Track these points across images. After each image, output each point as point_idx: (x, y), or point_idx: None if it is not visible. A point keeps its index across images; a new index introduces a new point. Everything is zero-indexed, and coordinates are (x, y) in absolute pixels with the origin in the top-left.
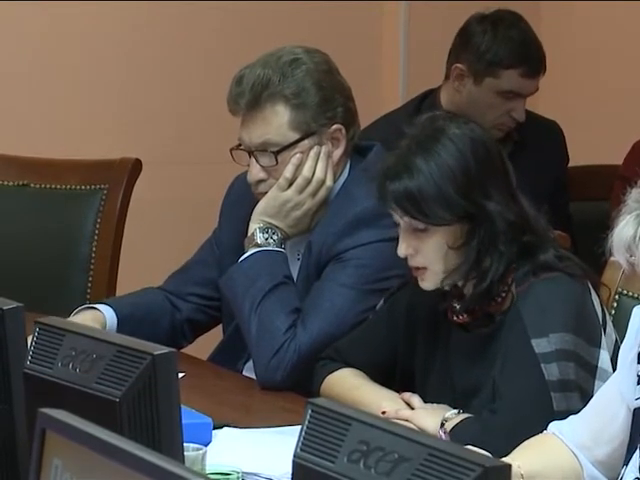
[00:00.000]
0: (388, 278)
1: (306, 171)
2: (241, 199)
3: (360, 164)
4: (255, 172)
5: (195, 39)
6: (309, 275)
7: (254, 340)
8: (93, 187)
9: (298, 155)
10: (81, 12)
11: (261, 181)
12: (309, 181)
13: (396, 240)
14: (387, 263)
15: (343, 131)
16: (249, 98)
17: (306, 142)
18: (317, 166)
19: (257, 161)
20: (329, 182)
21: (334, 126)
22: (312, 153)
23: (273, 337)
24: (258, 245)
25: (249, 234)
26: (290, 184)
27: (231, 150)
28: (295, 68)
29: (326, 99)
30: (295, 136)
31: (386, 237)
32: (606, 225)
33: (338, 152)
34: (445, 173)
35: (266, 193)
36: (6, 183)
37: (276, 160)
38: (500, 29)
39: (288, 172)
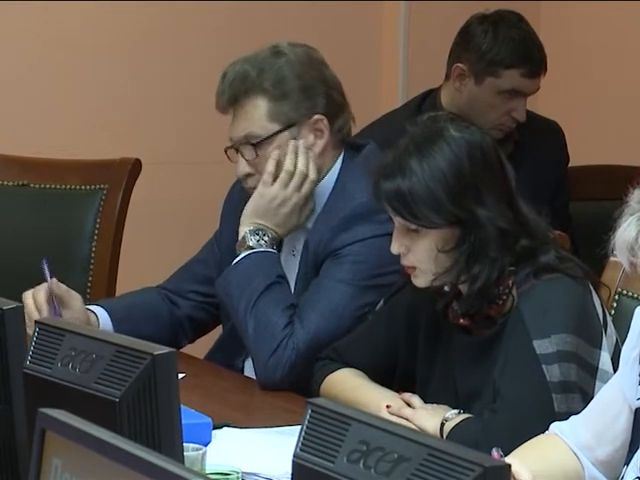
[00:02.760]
0: (385, 274)
1: (288, 165)
2: (242, 200)
3: (354, 159)
4: (242, 167)
5: (194, 39)
6: (307, 273)
7: (252, 339)
8: (93, 187)
9: (277, 151)
10: (81, 12)
11: (249, 175)
12: (292, 175)
13: (392, 235)
14: (384, 259)
15: (325, 122)
16: (229, 95)
17: (287, 133)
18: (298, 159)
19: (243, 155)
20: (312, 175)
21: (315, 116)
22: (290, 147)
23: (271, 334)
24: (250, 247)
25: (240, 238)
26: (275, 179)
27: (225, 150)
28: (275, 60)
29: (305, 88)
30: (275, 127)
31: (382, 232)
32: (606, 225)
33: (320, 143)
34: (437, 176)
35: (256, 187)
36: (6, 183)
37: (256, 153)
38: (501, 29)
39: (270, 166)
